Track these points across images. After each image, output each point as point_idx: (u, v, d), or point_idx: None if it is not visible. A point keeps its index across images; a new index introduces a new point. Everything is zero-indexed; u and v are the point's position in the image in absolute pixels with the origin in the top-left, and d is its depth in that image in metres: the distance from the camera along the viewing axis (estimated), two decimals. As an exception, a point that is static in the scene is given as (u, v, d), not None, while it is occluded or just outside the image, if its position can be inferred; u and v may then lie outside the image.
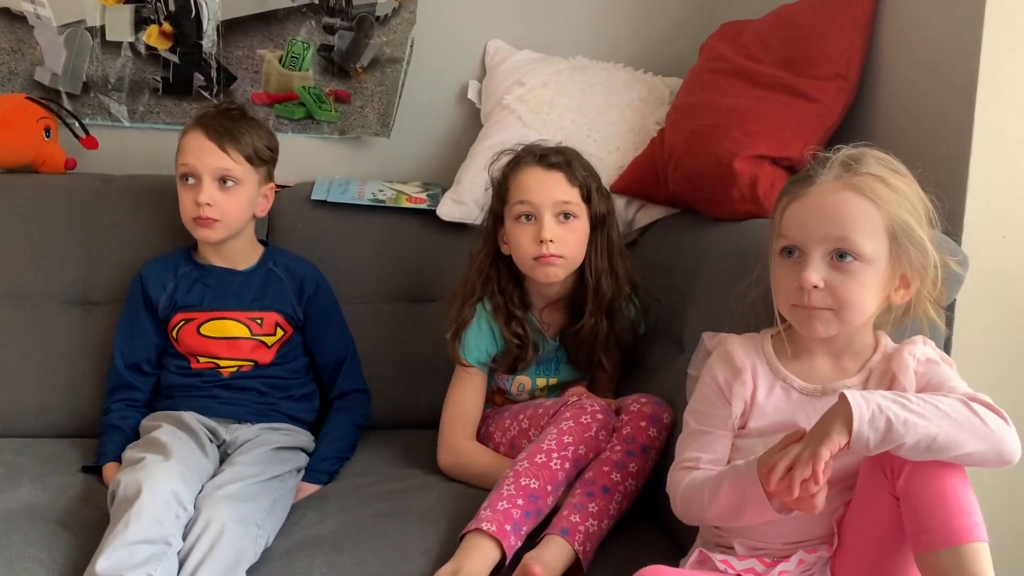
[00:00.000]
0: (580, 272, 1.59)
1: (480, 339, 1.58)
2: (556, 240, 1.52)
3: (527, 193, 1.54)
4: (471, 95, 2.09)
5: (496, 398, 1.68)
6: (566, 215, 1.53)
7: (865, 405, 0.99)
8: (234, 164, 1.61)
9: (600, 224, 1.58)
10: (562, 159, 1.56)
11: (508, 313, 1.58)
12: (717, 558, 1.14)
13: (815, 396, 1.17)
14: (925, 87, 1.48)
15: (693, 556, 1.17)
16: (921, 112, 1.48)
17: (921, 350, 1.15)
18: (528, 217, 1.54)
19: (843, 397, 1.01)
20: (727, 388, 1.20)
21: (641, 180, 1.84)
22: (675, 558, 1.29)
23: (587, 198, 1.56)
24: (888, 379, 1.14)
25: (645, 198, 1.86)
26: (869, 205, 1.10)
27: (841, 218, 1.10)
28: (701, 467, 1.18)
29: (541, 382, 1.65)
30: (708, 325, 1.46)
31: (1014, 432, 1.02)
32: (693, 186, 1.66)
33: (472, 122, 2.10)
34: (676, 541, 1.35)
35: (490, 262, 1.61)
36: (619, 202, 1.88)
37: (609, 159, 1.90)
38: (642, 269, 1.71)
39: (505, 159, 1.61)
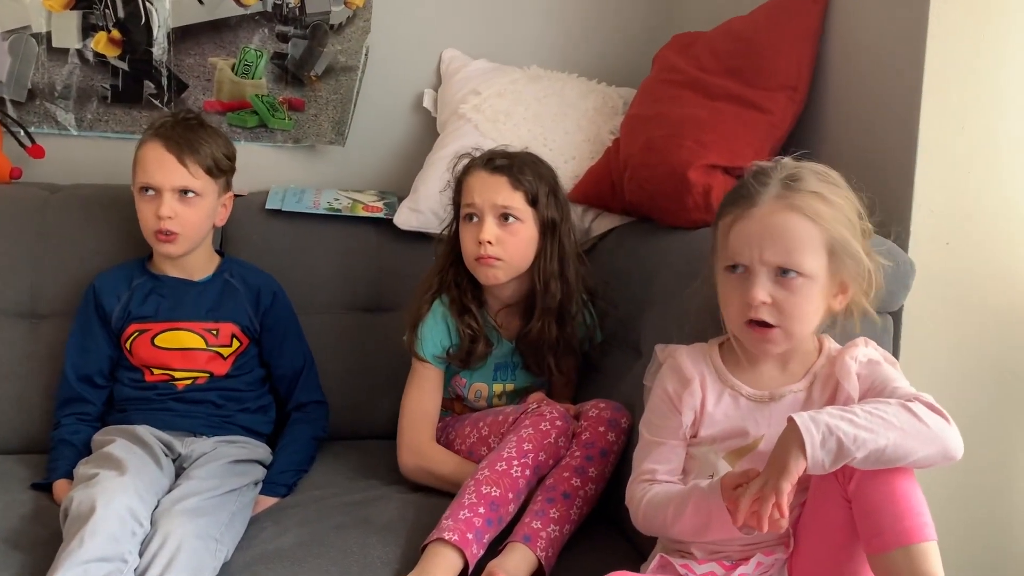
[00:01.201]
0: (532, 276, 1.60)
1: (435, 333, 1.59)
2: (495, 242, 1.54)
3: (471, 195, 1.58)
4: (427, 104, 2.10)
5: (455, 406, 1.68)
6: (506, 217, 1.55)
7: (815, 429, 1.02)
8: (194, 179, 1.60)
9: (550, 229, 1.59)
10: (508, 163, 1.58)
11: (462, 306, 1.60)
12: (677, 563, 1.16)
13: (763, 402, 1.20)
14: (872, 98, 1.52)
15: (654, 562, 1.19)
16: (868, 122, 1.52)
17: (863, 352, 1.19)
18: (472, 217, 1.57)
19: (792, 423, 1.03)
20: (677, 399, 1.22)
21: (597, 189, 1.85)
22: (636, 562, 1.30)
23: (532, 202, 1.57)
24: (832, 383, 1.18)
25: (601, 207, 1.88)
26: (810, 225, 1.13)
27: (785, 240, 1.14)
28: (659, 479, 1.21)
29: (498, 388, 1.66)
30: (664, 332, 1.50)
31: (955, 430, 1.06)
32: (648, 195, 1.68)
33: (428, 131, 2.10)
34: (636, 545, 1.37)
35: (450, 261, 1.63)
36: (575, 210, 1.89)
37: (565, 168, 1.91)
38: (599, 277, 1.73)
39: (464, 161, 1.64)
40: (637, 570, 1.27)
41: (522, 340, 1.63)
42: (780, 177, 1.17)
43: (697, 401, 1.21)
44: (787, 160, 1.20)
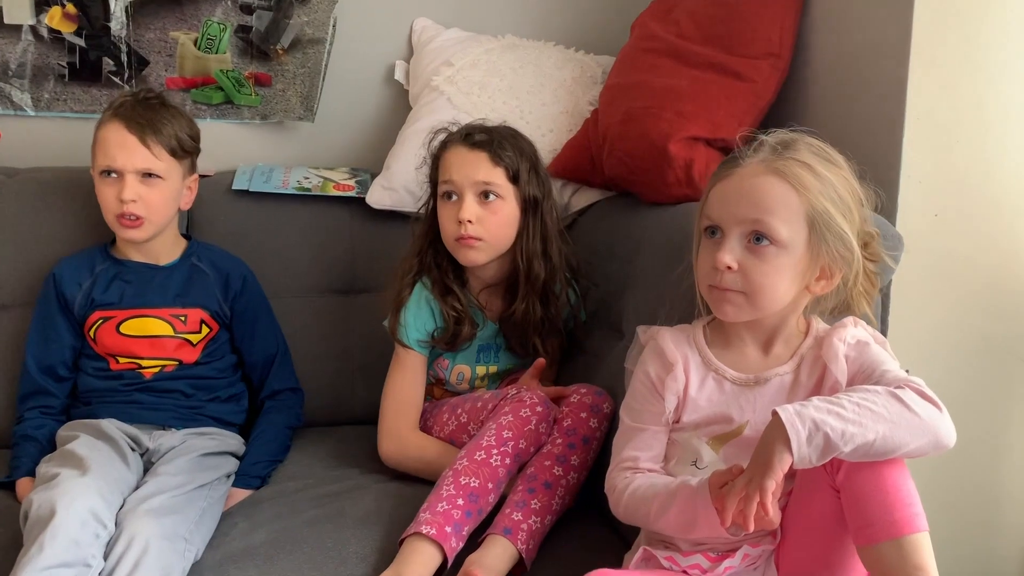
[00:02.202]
0: (514, 256, 1.55)
1: (418, 317, 1.55)
2: (475, 220, 1.49)
3: (449, 171, 1.52)
4: (398, 76, 2.02)
5: (435, 391, 1.63)
6: (487, 195, 1.50)
7: (800, 424, 0.98)
8: (157, 160, 1.54)
9: (532, 207, 1.54)
10: (487, 138, 1.52)
11: (445, 287, 1.55)
12: (661, 555, 1.12)
13: (747, 386, 1.16)
14: (857, 65, 1.47)
15: (637, 554, 1.15)
16: (854, 91, 1.47)
17: (851, 333, 1.14)
18: (450, 196, 1.52)
19: (776, 418, 0.99)
20: (659, 383, 1.18)
21: (576, 163, 1.80)
22: (619, 551, 1.27)
23: (514, 179, 1.52)
24: (820, 366, 1.13)
25: (580, 181, 1.82)
26: (789, 190, 1.09)
27: (759, 200, 1.09)
28: (641, 467, 1.17)
29: (481, 370, 1.61)
30: (646, 312, 1.45)
31: (947, 418, 1.02)
32: (628, 170, 1.63)
33: (400, 104, 2.03)
34: (620, 534, 1.34)
35: (429, 240, 1.58)
36: (554, 185, 1.84)
37: (542, 141, 1.85)
38: (580, 254, 1.68)
39: (441, 137, 1.58)
40: (620, 559, 1.24)
41: (506, 321, 1.58)
42: (771, 144, 1.13)
43: (680, 386, 1.17)
44: (786, 132, 1.15)
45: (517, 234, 1.54)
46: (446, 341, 1.55)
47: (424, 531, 1.22)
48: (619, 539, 1.33)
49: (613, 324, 1.58)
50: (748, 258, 1.09)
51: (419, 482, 1.43)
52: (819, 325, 1.18)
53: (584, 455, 1.37)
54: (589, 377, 1.52)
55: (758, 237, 1.09)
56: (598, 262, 1.67)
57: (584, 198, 1.84)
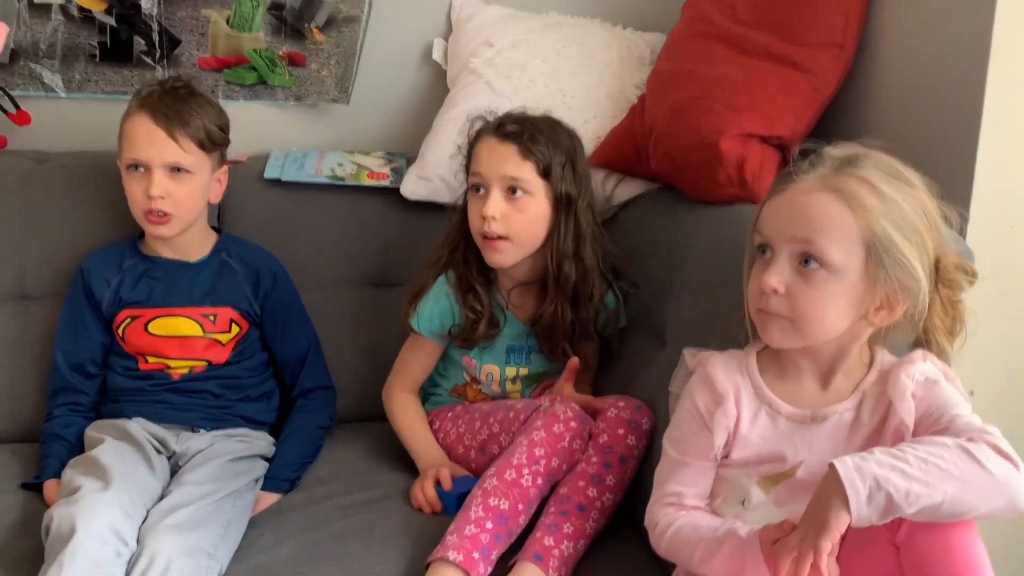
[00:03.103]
0: (544, 256, 1.48)
1: (435, 311, 1.50)
2: (500, 217, 1.42)
3: (478, 164, 1.46)
4: (436, 55, 1.94)
5: (468, 392, 1.57)
6: (514, 190, 1.42)
7: (860, 482, 0.89)
8: (185, 155, 1.48)
9: (565, 205, 1.46)
10: (519, 129, 1.44)
11: (468, 285, 1.49)
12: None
13: (803, 424, 1.08)
14: (930, 60, 1.34)
15: None
16: (924, 88, 1.35)
17: (920, 369, 1.05)
18: (478, 189, 1.45)
19: (834, 471, 0.91)
20: (708, 417, 1.10)
21: (620, 153, 1.70)
22: (654, 573, 1.21)
23: (544, 174, 1.43)
24: (884, 404, 1.05)
25: (624, 172, 1.73)
26: (844, 210, 1.00)
27: (810, 219, 1.01)
28: (686, 503, 1.10)
29: (511, 371, 1.55)
30: (691, 325, 1.38)
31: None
32: (675, 166, 1.53)
33: (438, 84, 1.94)
34: (657, 558, 1.26)
35: (461, 234, 1.52)
36: (596, 176, 1.75)
37: (585, 129, 1.75)
38: (620, 249, 1.59)
39: (477, 126, 1.51)
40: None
41: (536, 324, 1.52)
42: (836, 157, 1.04)
43: (731, 421, 1.09)
44: (853, 145, 1.05)
45: (548, 233, 1.46)
46: (462, 338, 1.50)
47: (451, 557, 1.17)
48: (656, 564, 1.26)
49: (655, 331, 1.50)
50: (796, 281, 1.01)
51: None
52: (884, 357, 1.09)
53: (621, 475, 1.30)
54: (627, 388, 1.45)
55: (807, 259, 1.00)
56: (640, 261, 1.59)
57: (628, 190, 1.75)
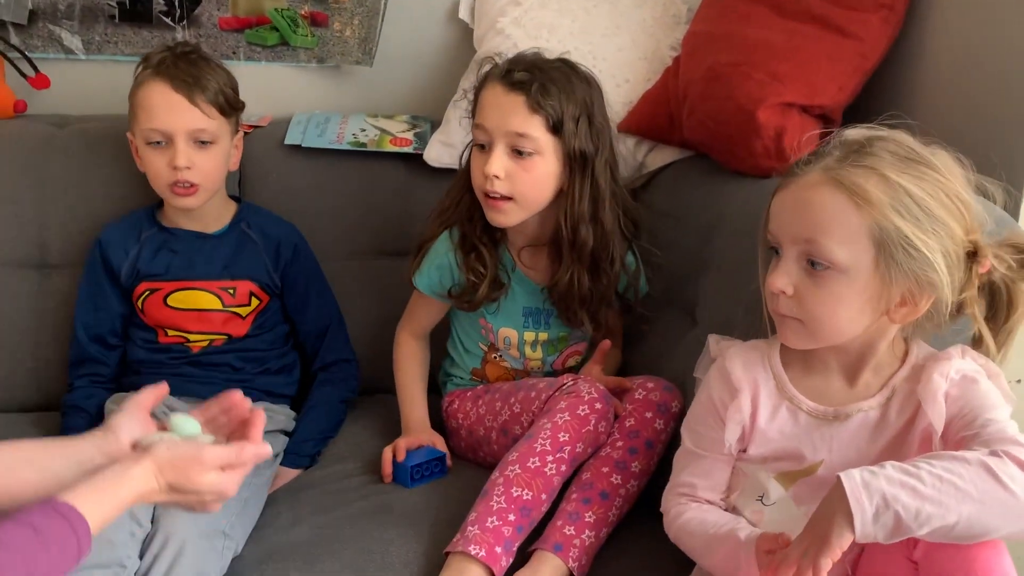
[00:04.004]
0: (557, 218, 1.38)
1: (433, 268, 1.44)
2: (504, 176, 1.31)
3: (483, 115, 1.35)
4: (463, 14, 1.86)
5: (488, 370, 1.52)
6: (521, 150, 1.32)
7: (867, 500, 0.84)
8: (209, 121, 1.44)
9: (580, 163, 1.34)
10: (528, 78, 1.31)
11: (471, 245, 1.41)
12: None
13: (826, 420, 1.02)
14: (988, 24, 1.25)
15: None
16: (981, 55, 1.26)
17: (957, 366, 0.98)
18: (483, 146, 1.35)
19: (839, 485, 0.85)
20: (722, 409, 1.06)
21: (652, 119, 1.63)
22: (679, 567, 1.17)
23: (555, 129, 1.32)
24: (914, 404, 0.98)
25: (656, 139, 1.65)
26: (847, 205, 0.93)
27: (811, 217, 0.95)
28: (698, 495, 1.08)
29: (529, 336, 1.48)
30: (722, 304, 1.32)
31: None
32: (710, 134, 1.46)
33: (465, 44, 1.87)
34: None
35: (467, 187, 1.42)
36: (628, 143, 1.68)
37: (616, 92, 1.68)
38: (651, 219, 1.53)
39: (486, 68, 1.40)
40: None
41: (551, 291, 1.43)
42: (846, 143, 0.97)
43: (745, 415, 1.04)
44: (869, 128, 0.98)
45: (562, 194, 1.36)
46: (463, 299, 1.43)
47: (473, 552, 1.14)
48: (680, 552, 1.22)
49: (687, 307, 1.44)
50: (805, 282, 0.96)
51: (467, 475, 1.36)
52: (920, 351, 1.02)
53: (647, 461, 1.26)
54: (656, 367, 1.40)
55: (813, 260, 0.95)
56: (672, 229, 1.53)
57: (661, 157, 1.68)
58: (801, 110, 1.35)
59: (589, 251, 1.38)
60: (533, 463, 1.22)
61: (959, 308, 0.97)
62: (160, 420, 1.01)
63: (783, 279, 0.96)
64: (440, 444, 1.42)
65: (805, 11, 1.40)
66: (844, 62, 1.35)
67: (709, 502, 1.08)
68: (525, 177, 1.33)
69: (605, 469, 1.25)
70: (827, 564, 0.86)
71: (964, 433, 0.92)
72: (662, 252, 1.50)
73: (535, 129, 1.31)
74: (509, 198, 1.34)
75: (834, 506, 0.86)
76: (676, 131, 1.59)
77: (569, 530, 1.19)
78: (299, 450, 1.46)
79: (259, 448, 0.95)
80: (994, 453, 0.86)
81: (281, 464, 1.43)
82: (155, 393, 0.99)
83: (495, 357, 1.52)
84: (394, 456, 1.37)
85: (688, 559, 1.16)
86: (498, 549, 1.15)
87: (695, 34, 1.58)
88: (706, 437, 1.08)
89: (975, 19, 1.29)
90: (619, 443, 1.27)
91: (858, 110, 1.37)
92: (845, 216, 0.92)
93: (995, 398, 0.95)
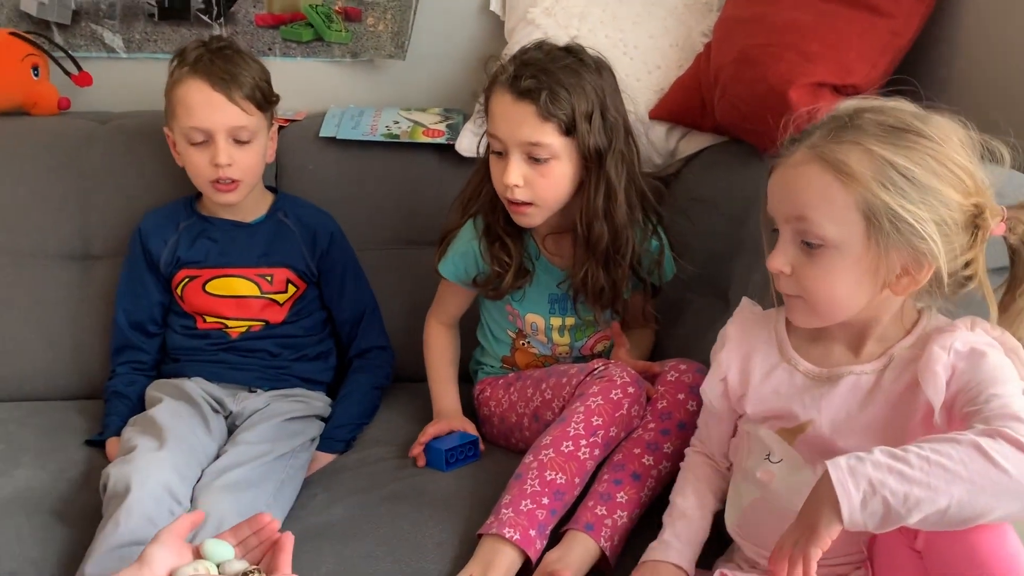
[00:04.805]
0: (572, 213, 1.38)
1: (458, 256, 1.45)
2: (524, 183, 1.32)
3: (494, 125, 1.34)
4: (494, 6, 1.88)
5: (517, 357, 1.53)
6: (537, 156, 1.31)
7: (854, 487, 0.83)
8: (248, 117, 1.46)
9: (595, 160, 1.33)
10: (536, 85, 1.28)
11: (495, 235, 1.42)
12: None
13: (819, 381, 1.02)
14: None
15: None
16: (1014, 35, 1.23)
17: (963, 339, 0.94)
18: (500, 153, 1.35)
19: (826, 474, 0.85)
20: (713, 359, 1.12)
21: (684, 105, 1.63)
22: (711, 548, 1.17)
23: (569, 130, 1.31)
24: (912, 373, 0.96)
25: (689, 125, 1.65)
26: (832, 181, 0.92)
27: (798, 195, 0.95)
28: (699, 447, 1.18)
29: (556, 321, 1.48)
30: (755, 287, 1.30)
31: None
32: (742, 116, 1.46)
33: (496, 37, 1.89)
34: (716, 527, 1.22)
35: (488, 179, 1.41)
36: (660, 130, 1.68)
37: (648, 80, 1.69)
38: (685, 205, 1.52)
39: (492, 67, 1.38)
40: (712, 555, 1.14)
41: (570, 283, 1.43)
42: (833, 118, 0.97)
43: (725, 371, 1.08)
44: (861, 100, 0.97)
45: (581, 188, 1.36)
46: (489, 288, 1.43)
47: (507, 535, 1.14)
48: (713, 535, 1.22)
49: (719, 291, 1.44)
50: (801, 260, 0.96)
51: (500, 459, 1.36)
52: (930, 322, 1.00)
53: (679, 442, 1.25)
54: (689, 350, 1.39)
55: (806, 239, 0.95)
56: (705, 214, 1.53)
57: (693, 143, 1.68)
58: (833, 89, 1.34)
59: (603, 247, 1.38)
60: (567, 447, 1.22)
61: (969, 276, 0.95)
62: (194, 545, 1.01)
63: (780, 259, 0.96)
64: (471, 429, 1.42)
65: (836, -10, 1.39)
66: (875, 39, 1.34)
67: (708, 456, 1.17)
68: (543, 182, 1.33)
69: (637, 450, 1.24)
70: (816, 553, 0.85)
71: (967, 409, 0.90)
72: (697, 237, 1.49)
73: (548, 136, 1.31)
74: (530, 203, 1.34)
75: (821, 495, 0.85)
76: (708, 116, 1.59)
77: (601, 510, 1.19)
78: (334, 435, 1.47)
79: None
80: (988, 432, 0.84)
81: (317, 449, 1.45)
82: (190, 520, 1.01)
83: (523, 344, 1.52)
84: (430, 442, 1.37)
85: (721, 540, 1.16)
86: (532, 532, 1.15)
87: (726, 19, 1.58)
88: (706, 389, 1.13)
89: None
90: (651, 425, 1.27)
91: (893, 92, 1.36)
92: (831, 193, 0.92)
93: (1005, 373, 0.91)
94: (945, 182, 0.91)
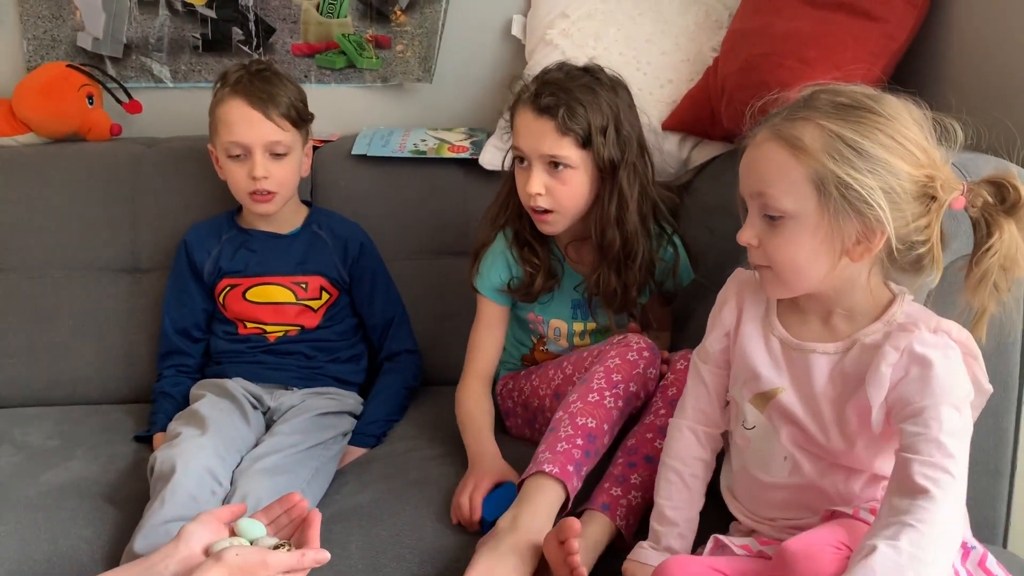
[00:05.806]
0: (587, 222, 1.47)
1: (493, 267, 1.52)
2: (545, 192, 1.42)
3: (518, 139, 1.45)
4: (515, 31, 1.98)
5: (536, 354, 1.60)
6: (556, 165, 1.41)
7: None
8: (284, 133, 1.57)
9: (609, 171, 1.42)
10: (555, 102, 1.38)
11: (523, 240, 1.51)
12: (735, 543, 1.08)
13: (789, 351, 1.09)
14: (1014, 4, 1.29)
15: (709, 544, 1.11)
16: (1006, 33, 1.30)
17: (921, 340, 0.98)
18: (522, 161, 1.45)
19: None
20: (714, 317, 1.17)
21: (695, 115, 1.71)
22: (723, 525, 1.22)
23: (586, 143, 1.40)
24: (865, 365, 1.01)
25: (700, 134, 1.73)
26: (787, 156, 0.99)
27: (758, 172, 1.03)
28: (683, 419, 1.20)
29: (578, 326, 1.55)
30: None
31: (952, 519, 0.91)
32: (748, 123, 1.53)
33: (518, 60, 1.99)
34: (720, 507, 1.28)
35: (514, 191, 1.50)
36: (672, 140, 1.76)
37: (660, 93, 1.77)
38: (700, 213, 1.59)
39: (516, 87, 1.49)
40: (723, 530, 1.19)
41: (585, 288, 1.52)
42: (792, 99, 1.04)
43: (727, 326, 1.15)
44: (819, 84, 1.04)
45: (598, 198, 1.45)
46: (523, 292, 1.51)
47: (547, 469, 1.21)
48: (722, 515, 1.26)
49: (728, 289, 1.50)
50: (766, 233, 1.03)
51: (527, 449, 1.42)
52: (901, 310, 1.04)
53: (689, 427, 1.31)
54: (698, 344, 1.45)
55: (767, 212, 1.02)
56: (717, 220, 1.58)
57: (705, 152, 1.75)
58: (831, 93, 1.41)
59: (615, 253, 1.46)
60: (592, 397, 1.29)
61: (923, 241, 0.99)
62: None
63: (748, 232, 1.04)
64: (513, 477, 1.35)
65: (833, 0, 1.46)
66: (870, 43, 1.41)
67: (690, 430, 1.19)
68: (563, 190, 1.42)
69: (649, 435, 1.31)
70: None
71: (898, 423, 0.97)
72: (712, 242, 1.56)
73: (566, 149, 1.40)
74: (552, 211, 1.44)
75: None
76: (718, 125, 1.66)
77: (616, 491, 1.25)
78: (366, 431, 1.55)
79: (318, 554, 1.03)
80: (894, 537, 0.89)
81: (349, 444, 1.53)
82: (232, 509, 1.10)
83: (544, 349, 1.60)
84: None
85: (730, 517, 1.21)
86: (570, 468, 1.22)
87: (733, 32, 1.66)
88: (704, 345, 1.18)
89: (999, 2, 1.33)
90: (662, 411, 1.33)
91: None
92: (787, 168, 0.99)
93: (948, 383, 0.97)
94: (894, 154, 0.97)
